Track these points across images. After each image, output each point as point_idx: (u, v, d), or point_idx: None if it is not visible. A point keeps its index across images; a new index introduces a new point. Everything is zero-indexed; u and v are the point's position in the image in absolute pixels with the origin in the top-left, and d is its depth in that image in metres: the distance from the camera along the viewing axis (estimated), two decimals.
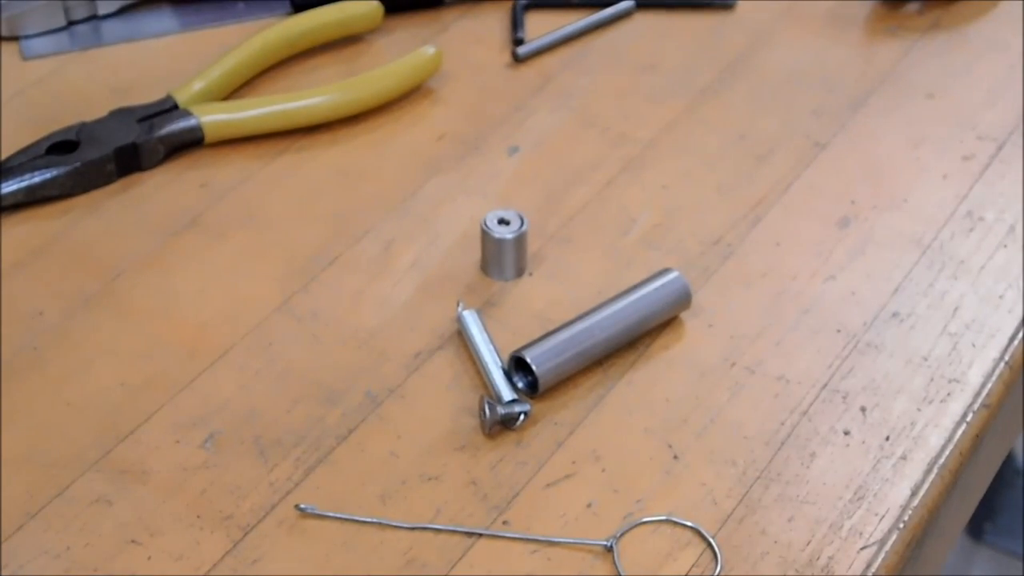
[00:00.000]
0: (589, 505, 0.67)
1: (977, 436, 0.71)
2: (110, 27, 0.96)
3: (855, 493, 0.67)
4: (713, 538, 0.65)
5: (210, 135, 0.86)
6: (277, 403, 0.71)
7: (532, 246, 0.79)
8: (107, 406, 0.71)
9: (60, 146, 0.84)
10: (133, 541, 0.65)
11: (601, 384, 0.73)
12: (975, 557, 1.59)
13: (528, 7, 0.98)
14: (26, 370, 0.73)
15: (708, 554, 0.65)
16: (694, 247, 0.80)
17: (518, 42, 0.95)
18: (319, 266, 0.79)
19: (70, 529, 0.65)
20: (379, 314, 0.76)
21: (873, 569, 0.65)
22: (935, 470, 0.69)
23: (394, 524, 0.66)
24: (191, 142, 0.86)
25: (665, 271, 0.76)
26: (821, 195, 0.84)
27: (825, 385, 0.73)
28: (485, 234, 0.77)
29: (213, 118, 0.86)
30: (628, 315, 0.73)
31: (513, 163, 0.86)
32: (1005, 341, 0.75)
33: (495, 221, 0.77)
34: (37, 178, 0.82)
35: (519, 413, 0.70)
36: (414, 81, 0.90)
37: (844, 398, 0.72)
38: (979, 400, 0.72)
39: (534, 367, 0.71)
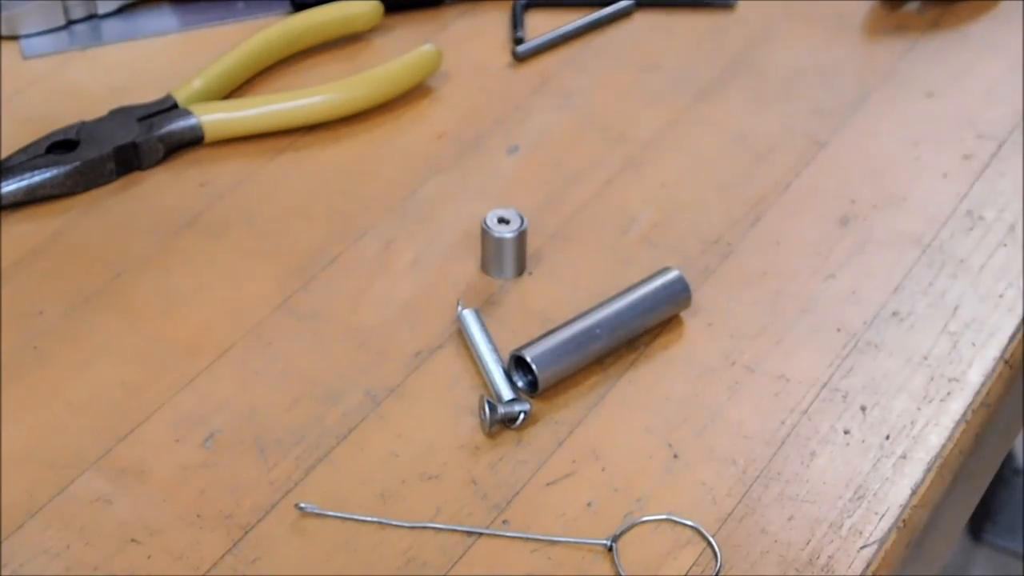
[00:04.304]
0: (589, 504, 0.67)
1: (977, 435, 0.71)
2: (110, 26, 0.96)
3: (855, 492, 0.67)
4: (713, 537, 0.65)
5: (210, 134, 0.86)
6: (277, 402, 0.71)
7: (532, 245, 0.79)
8: (107, 405, 0.71)
9: (60, 145, 0.84)
10: (133, 540, 0.65)
11: (601, 383, 0.73)
12: (975, 557, 1.59)
13: (528, 6, 0.98)
14: (26, 370, 0.73)
15: (708, 553, 0.65)
16: (694, 246, 0.80)
17: (518, 41, 0.95)
18: (319, 265, 0.79)
19: (70, 528, 0.65)
20: (379, 313, 0.76)
21: (873, 568, 0.65)
22: (935, 469, 0.69)
23: (394, 523, 0.66)
24: (191, 141, 0.86)
25: (665, 270, 0.76)
26: (821, 194, 0.84)
27: (825, 384, 0.73)
28: (485, 233, 0.77)
29: (213, 117, 0.86)
30: (628, 314, 0.73)
31: (513, 162, 0.86)
32: (1005, 340, 0.75)
33: (495, 220, 0.77)
34: (37, 177, 0.82)
35: (519, 412, 0.70)
36: (414, 80, 0.90)
37: (844, 397, 0.72)
38: (979, 399, 0.72)
39: (534, 366, 0.71)
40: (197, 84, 0.88)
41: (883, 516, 0.66)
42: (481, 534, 0.66)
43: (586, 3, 0.98)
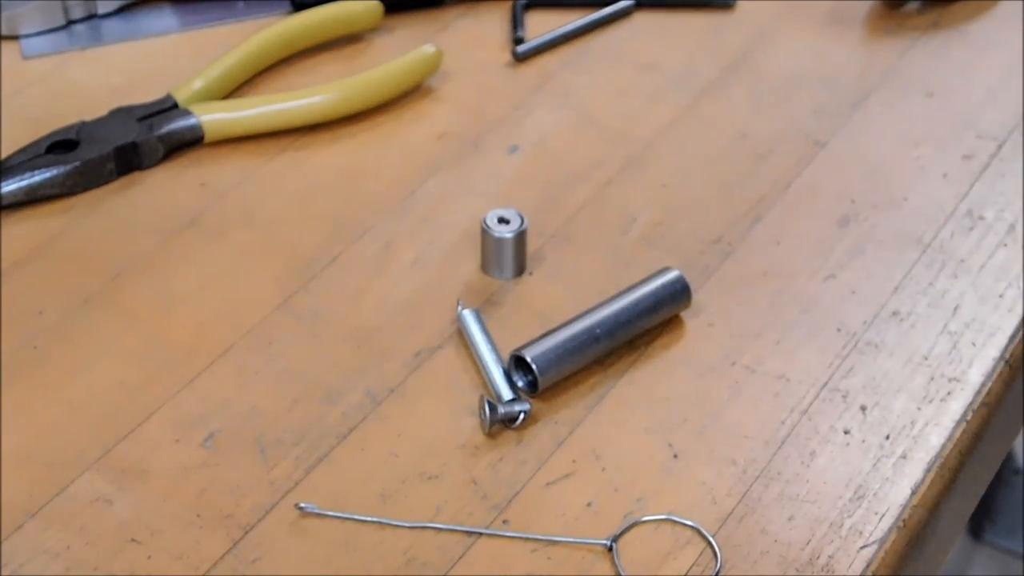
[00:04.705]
0: (589, 504, 0.67)
1: (977, 435, 0.71)
2: (110, 26, 0.96)
3: (855, 492, 0.67)
4: (713, 537, 0.65)
5: (210, 134, 0.86)
6: (277, 402, 0.71)
7: (532, 245, 0.79)
8: (107, 405, 0.71)
9: (60, 145, 0.84)
10: (133, 540, 0.65)
11: (601, 383, 0.73)
12: (975, 557, 1.59)
13: (528, 6, 0.98)
14: (26, 370, 0.73)
15: (708, 553, 0.65)
16: (694, 246, 0.80)
17: (518, 41, 0.95)
18: (319, 265, 0.79)
19: (70, 528, 0.65)
20: (379, 313, 0.76)
21: (873, 568, 0.65)
22: (935, 469, 0.69)
23: (394, 523, 0.66)
24: (191, 141, 0.86)
25: (665, 270, 0.76)
26: (821, 194, 0.84)
27: (825, 384, 0.73)
28: (485, 233, 0.77)
29: (213, 117, 0.86)
30: (628, 314, 0.73)
31: (513, 162, 0.86)
32: (1005, 340, 0.75)
33: (495, 220, 0.77)
34: (37, 177, 0.82)
35: (519, 412, 0.70)
36: (414, 80, 0.90)
37: (844, 397, 0.72)
38: (979, 399, 0.72)
39: (534, 366, 0.71)
40: (197, 84, 0.88)
41: (883, 516, 0.66)
42: (481, 534, 0.66)
43: (586, 3, 0.98)
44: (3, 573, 0.64)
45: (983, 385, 0.73)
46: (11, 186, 0.82)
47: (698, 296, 0.77)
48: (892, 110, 0.90)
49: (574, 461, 0.69)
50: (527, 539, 0.65)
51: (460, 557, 0.65)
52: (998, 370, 0.74)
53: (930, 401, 0.72)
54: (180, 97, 0.87)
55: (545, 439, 0.70)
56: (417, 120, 0.89)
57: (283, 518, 0.66)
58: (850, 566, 0.64)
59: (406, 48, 0.92)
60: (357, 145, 0.87)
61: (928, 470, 0.69)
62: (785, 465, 0.69)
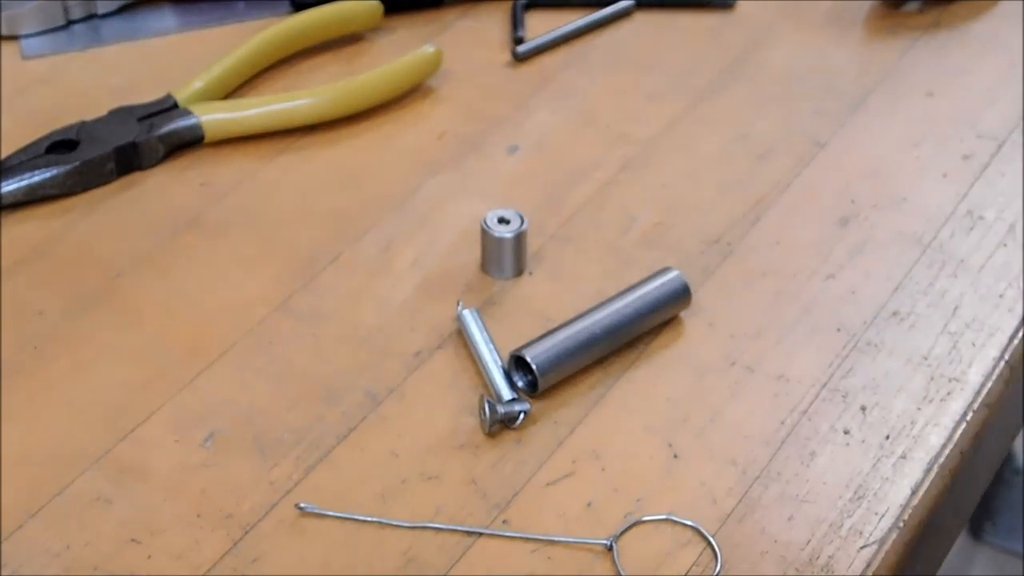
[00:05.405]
0: (589, 504, 0.67)
1: (977, 435, 0.71)
2: (110, 26, 0.96)
3: (855, 492, 0.67)
4: (713, 537, 0.65)
5: (210, 134, 0.86)
6: (277, 402, 0.71)
7: (532, 245, 0.79)
8: (107, 405, 0.71)
9: (60, 145, 0.84)
10: (133, 540, 0.65)
11: (601, 383, 0.73)
12: (975, 557, 1.59)
13: (528, 6, 0.98)
14: (26, 370, 0.73)
15: (708, 553, 0.65)
16: (694, 246, 0.80)
17: (518, 41, 0.95)
18: (319, 265, 0.79)
19: (70, 528, 0.65)
20: (379, 313, 0.76)
21: (873, 568, 0.65)
22: (935, 469, 0.69)
23: (394, 523, 0.66)
24: (191, 141, 0.86)
25: (665, 270, 0.76)
26: (821, 194, 0.84)
27: (825, 384, 0.73)
28: (485, 233, 0.77)
29: (213, 117, 0.86)
30: (628, 314, 0.73)
31: (513, 162, 0.86)
32: (1005, 340, 0.75)
33: (495, 220, 0.77)
34: (37, 177, 0.82)
35: (519, 412, 0.70)
36: (414, 80, 0.90)
37: (844, 397, 0.72)
38: (979, 399, 0.72)
39: (534, 366, 0.71)
40: (197, 84, 0.88)
41: (883, 516, 0.66)
42: (481, 534, 0.66)
43: (586, 3, 0.98)
44: (3, 573, 0.64)
45: (983, 385, 0.73)
46: (11, 186, 0.82)
47: (698, 296, 0.77)
48: (892, 110, 0.90)
49: (574, 461, 0.69)
50: (527, 539, 0.65)
51: (460, 557, 0.65)
52: (998, 370, 0.74)
53: (930, 401, 0.72)
54: (180, 97, 0.88)
55: (545, 439, 0.70)
56: (417, 120, 0.89)
57: (283, 518, 0.66)
58: (850, 566, 0.64)
59: (406, 48, 0.92)
60: (357, 145, 0.87)
61: (928, 470, 0.69)
62: (785, 465, 0.69)
